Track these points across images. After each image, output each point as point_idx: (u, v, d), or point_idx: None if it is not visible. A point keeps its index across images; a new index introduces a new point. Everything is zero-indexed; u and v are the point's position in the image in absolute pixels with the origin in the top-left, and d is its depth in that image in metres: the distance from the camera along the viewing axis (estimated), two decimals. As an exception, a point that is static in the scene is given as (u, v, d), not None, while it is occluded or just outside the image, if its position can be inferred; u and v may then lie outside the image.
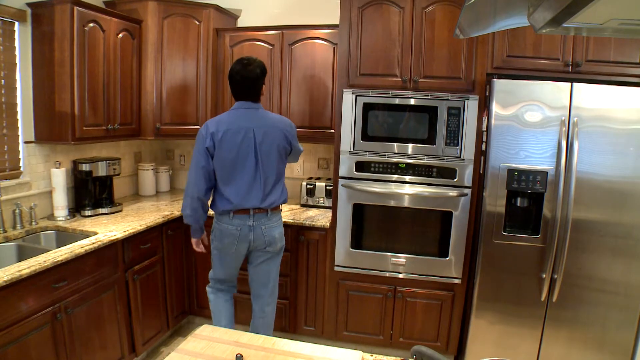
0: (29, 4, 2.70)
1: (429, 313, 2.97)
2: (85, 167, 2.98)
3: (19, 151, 2.76)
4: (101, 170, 3.03)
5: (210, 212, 2.64)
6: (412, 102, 2.80)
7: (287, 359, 1.39)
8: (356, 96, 2.85)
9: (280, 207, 2.66)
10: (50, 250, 2.28)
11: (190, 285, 3.38)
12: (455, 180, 2.81)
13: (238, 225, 2.48)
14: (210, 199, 2.59)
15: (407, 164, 2.85)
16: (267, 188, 2.50)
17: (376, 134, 2.88)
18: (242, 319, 3.09)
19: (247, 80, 2.42)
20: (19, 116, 2.73)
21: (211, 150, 2.42)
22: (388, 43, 2.79)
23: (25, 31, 2.71)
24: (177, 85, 3.36)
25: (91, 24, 2.79)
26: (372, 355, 1.43)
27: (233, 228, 2.49)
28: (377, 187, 2.89)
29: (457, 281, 2.90)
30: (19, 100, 2.72)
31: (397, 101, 2.81)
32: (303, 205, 3.48)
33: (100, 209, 3.03)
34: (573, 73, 2.63)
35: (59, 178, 2.85)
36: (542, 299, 2.67)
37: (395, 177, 2.88)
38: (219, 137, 2.40)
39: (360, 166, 2.91)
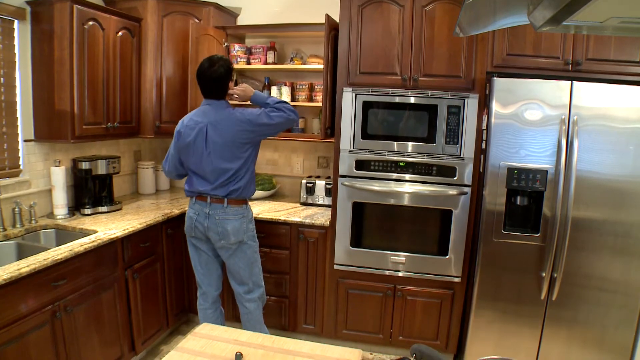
0: (28, 2, 2.69)
1: (429, 311, 2.97)
2: (84, 165, 2.97)
3: (19, 149, 2.75)
4: (101, 168, 3.03)
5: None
6: (412, 100, 2.79)
7: (287, 357, 1.39)
8: (356, 94, 2.84)
9: (244, 202, 2.63)
10: (49, 249, 2.28)
11: (190, 283, 3.37)
12: (455, 178, 2.80)
13: (197, 210, 2.61)
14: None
15: (407, 163, 2.85)
16: (221, 179, 2.54)
17: (376, 132, 2.88)
18: (238, 316, 3.08)
19: (210, 80, 2.52)
20: (18, 114, 2.73)
21: (176, 142, 2.62)
22: (388, 41, 2.79)
23: (25, 29, 2.71)
24: (177, 84, 3.35)
25: (91, 22, 2.79)
26: (371, 354, 1.43)
27: (192, 212, 2.64)
28: (377, 186, 2.89)
29: (456, 280, 2.90)
30: (18, 99, 2.72)
31: (397, 99, 2.81)
32: (303, 204, 3.47)
33: (100, 208, 3.03)
34: (573, 72, 2.63)
35: (59, 176, 2.85)
36: (542, 297, 2.67)
37: (395, 175, 2.87)
38: (181, 132, 2.59)
39: (360, 164, 2.90)
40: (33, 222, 2.73)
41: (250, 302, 2.72)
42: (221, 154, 2.52)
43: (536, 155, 2.58)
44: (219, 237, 2.57)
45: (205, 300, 2.78)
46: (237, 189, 2.56)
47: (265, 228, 3.09)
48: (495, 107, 2.59)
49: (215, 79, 2.50)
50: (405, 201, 2.88)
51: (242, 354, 1.36)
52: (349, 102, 2.86)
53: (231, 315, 3.26)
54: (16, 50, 2.68)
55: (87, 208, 2.98)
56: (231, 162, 2.53)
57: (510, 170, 2.61)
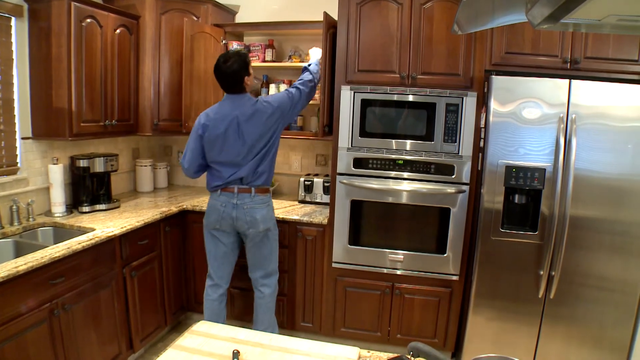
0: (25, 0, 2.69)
1: (427, 310, 2.97)
2: (82, 163, 2.97)
3: (16, 147, 2.75)
4: (99, 166, 3.02)
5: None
6: (410, 98, 2.79)
7: (284, 355, 1.39)
8: (354, 92, 2.84)
9: (268, 191, 2.77)
10: (47, 247, 2.28)
11: (188, 281, 3.38)
12: (453, 176, 2.80)
13: (223, 202, 2.67)
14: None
15: (405, 161, 2.85)
16: (251, 168, 2.65)
17: (374, 130, 2.88)
18: (236, 314, 3.09)
19: (224, 76, 2.60)
20: (16, 112, 2.72)
21: (203, 136, 2.66)
22: (386, 39, 2.79)
23: (22, 27, 2.70)
24: (175, 82, 3.34)
25: (88, 20, 2.78)
26: (369, 352, 1.43)
27: (218, 204, 2.68)
28: (375, 184, 2.88)
29: (454, 278, 2.90)
30: (16, 96, 2.71)
31: (395, 97, 2.81)
32: (301, 202, 3.47)
33: (97, 205, 3.03)
34: (571, 70, 2.62)
35: (57, 174, 2.84)
36: (540, 295, 2.67)
37: (393, 173, 2.87)
38: (208, 125, 2.64)
39: (359, 162, 2.90)
40: (31, 220, 2.72)
41: (266, 287, 2.81)
42: (253, 143, 2.62)
43: (534, 153, 2.58)
44: (247, 226, 2.65)
45: (214, 291, 2.83)
46: (265, 177, 2.70)
47: (264, 226, 3.08)
48: (493, 105, 2.59)
49: (229, 74, 2.58)
50: (404, 199, 2.88)
51: (239, 352, 1.36)
52: (347, 100, 2.85)
53: (230, 313, 3.26)
54: (14, 48, 2.67)
55: (85, 206, 2.97)
56: (261, 150, 2.65)
57: (509, 168, 2.61)
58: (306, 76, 2.87)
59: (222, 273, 2.81)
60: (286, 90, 2.82)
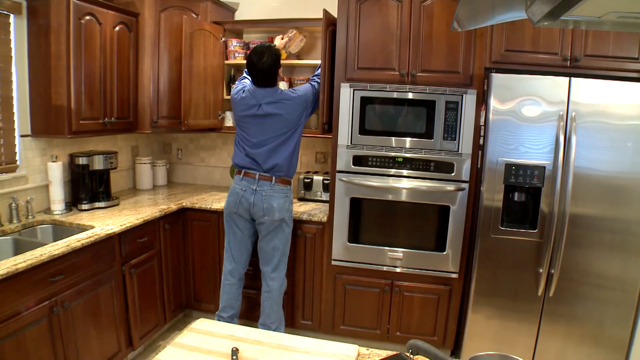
0: (24, -4, 2.68)
1: (426, 307, 2.97)
2: (82, 160, 2.96)
3: (15, 145, 2.74)
4: (98, 164, 3.02)
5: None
6: (410, 96, 2.79)
7: (283, 352, 1.39)
8: (354, 90, 2.84)
9: (289, 183, 2.83)
10: (46, 244, 2.28)
11: (187, 279, 3.38)
12: (452, 174, 2.80)
13: (244, 186, 2.75)
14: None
15: (405, 158, 2.84)
16: (267, 152, 2.73)
17: (374, 128, 2.87)
18: (240, 312, 3.08)
19: (261, 73, 2.69)
20: (15, 109, 2.72)
21: (236, 107, 2.85)
22: (386, 37, 2.78)
23: (21, 24, 2.69)
24: (175, 79, 3.34)
25: (87, 17, 2.77)
26: (368, 350, 1.44)
27: (239, 188, 2.77)
28: (374, 181, 2.88)
29: (454, 275, 2.90)
30: (15, 94, 2.71)
31: (395, 95, 2.80)
32: (300, 199, 3.47)
33: (97, 203, 3.02)
34: (571, 68, 2.62)
35: (56, 172, 2.84)
36: (539, 293, 2.67)
37: (393, 171, 2.87)
38: (235, 103, 2.83)
39: (358, 160, 2.90)
40: (30, 217, 2.72)
41: (274, 280, 2.83)
42: (272, 127, 2.72)
43: (534, 151, 2.57)
44: (263, 213, 2.70)
45: (232, 276, 2.90)
46: (286, 168, 2.77)
47: (263, 224, 3.08)
48: (493, 103, 2.59)
49: (266, 70, 2.66)
50: (403, 197, 2.88)
51: (238, 350, 1.36)
52: (347, 98, 2.85)
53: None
54: (12, 45, 2.66)
55: (84, 203, 2.97)
56: (280, 137, 2.74)
57: (508, 166, 2.61)
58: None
59: (239, 259, 2.88)
60: (309, 83, 2.91)
